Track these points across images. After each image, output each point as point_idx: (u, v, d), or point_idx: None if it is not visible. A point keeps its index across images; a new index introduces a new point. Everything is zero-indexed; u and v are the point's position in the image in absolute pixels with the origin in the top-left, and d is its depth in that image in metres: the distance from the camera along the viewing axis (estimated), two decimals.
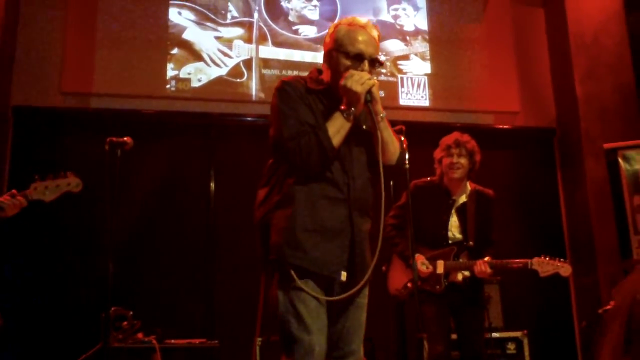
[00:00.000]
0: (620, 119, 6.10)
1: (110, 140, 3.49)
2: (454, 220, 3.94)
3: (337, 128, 2.39)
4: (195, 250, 5.40)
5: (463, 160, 3.90)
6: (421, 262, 3.83)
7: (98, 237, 4.34)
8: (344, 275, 2.41)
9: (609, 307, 3.83)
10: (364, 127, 2.54)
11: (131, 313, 4.22)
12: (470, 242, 3.89)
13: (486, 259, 3.78)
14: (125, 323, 4.18)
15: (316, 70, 2.64)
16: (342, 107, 2.42)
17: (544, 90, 6.61)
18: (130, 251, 5.06)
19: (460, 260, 3.88)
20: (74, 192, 3.49)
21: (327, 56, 2.55)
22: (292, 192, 2.39)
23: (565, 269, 3.84)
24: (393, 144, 2.52)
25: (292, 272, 2.32)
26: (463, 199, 3.98)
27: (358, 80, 2.36)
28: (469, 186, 4.02)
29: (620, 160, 5.46)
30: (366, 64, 2.46)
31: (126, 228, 4.94)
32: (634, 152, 5.46)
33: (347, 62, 2.47)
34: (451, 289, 3.86)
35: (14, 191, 3.34)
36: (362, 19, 2.57)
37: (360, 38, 2.48)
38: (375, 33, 2.53)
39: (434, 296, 3.84)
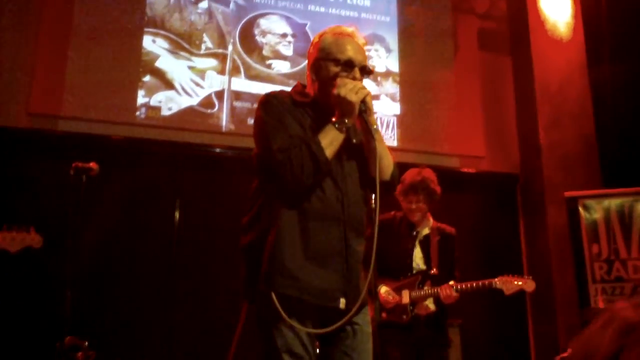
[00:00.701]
0: (581, 168, 6.27)
1: (75, 165, 3.47)
2: (417, 251, 4.03)
3: (330, 140, 2.23)
4: (157, 279, 5.31)
5: (422, 205, 4.01)
6: (386, 291, 3.87)
7: (57, 264, 4.25)
8: (342, 303, 2.22)
9: (565, 354, 3.88)
10: (354, 141, 2.40)
11: (87, 343, 4.12)
12: (434, 270, 3.95)
13: (450, 283, 3.86)
14: (80, 354, 4.07)
15: (300, 84, 2.50)
16: (334, 119, 2.27)
17: (509, 137, 6.77)
18: (90, 279, 4.95)
19: (425, 288, 3.92)
20: (34, 248, 3.51)
21: (314, 67, 2.39)
22: (280, 215, 2.21)
23: (528, 285, 3.95)
24: (387, 158, 2.39)
25: (277, 304, 2.14)
26: (426, 231, 4.09)
27: (352, 89, 2.23)
28: (431, 220, 4.14)
29: (580, 209, 5.59)
30: (357, 72, 2.33)
31: (87, 255, 4.84)
32: (593, 202, 5.59)
33: (337, 70, 2.33)
34: (416, 326, 3.88)
35: None
36: (348, 28, 2.44)
37: (348, 46, 2.36)
38: (362, 41, 2.41)
39: (399, 335, 3.86)
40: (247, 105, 5.96)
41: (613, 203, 5.55)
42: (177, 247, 5.41)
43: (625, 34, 6.19)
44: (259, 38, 6.23)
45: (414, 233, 4.07)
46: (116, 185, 5.28)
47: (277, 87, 6.00)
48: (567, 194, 5.69)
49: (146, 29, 5.86)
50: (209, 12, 6.12)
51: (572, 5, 6.95)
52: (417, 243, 4.04)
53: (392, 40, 6.68)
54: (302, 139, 2.24)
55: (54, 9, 5.63)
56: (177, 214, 5.51)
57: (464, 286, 3.87)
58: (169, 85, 5.80)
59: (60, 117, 5.46)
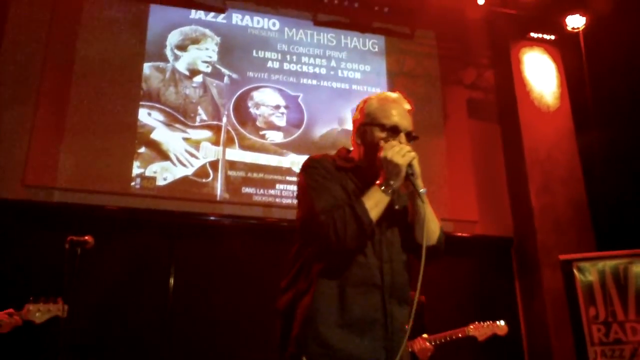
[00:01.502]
0: (574, 230, 6.31)
1: (70, 239, 3.49)
2: None
3: (375, 202, 2.18)
4: (153, 348, 5.23)
5: None
6: None
7: (51, 336, 4.19)
8: None
9: None
10: (397, 207, 2.35)
11: None
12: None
13: (424, 335, 3.90)
14: None
15: (344, 149, 2.48)
16: (380, 182, 2.22)
17: (501, 201, 6.84)
18: (84, 351, 4.87)
19: None
20: (60, 317, 3.55)
21: (360, 131, 2.38)
22: (319, 280, 2.17)
23: (501, 329, 3.94)
24: (434, 222, 2.33)
25: None
26: None
27: (399, 151, 2.19)
28: None
29: (575, 271, 5.58)
30: (403, 137, 2.31)
31: (81, 327, 4.76)
32: (588, 264, 5.60)
33: (382, 135, 2.31)
34: None
35: (11, 310, 3.45)
36: (394, 93, 2.43)
37: (394, 111, 2.34)
38: (407, 106, 2.39)
39: None
40: (241, 174, 6.04)
41: (608, 265, 5.56)
42: (172, 315, 5.36)
43: (609, 100, 6.35)
44: (252, 110, 6.38)
45: None
46: (111, 255, 5.27)
47: (270, 157, 6.14)
48: (562, 256, 5.70)
49: (142, 102, 6.00)
50: (204, 86, 6.29)
51: (557, 75, 7.18)
52: None
53: None
54: (345, 201, 2.21)
55: (52, 83, 5.79)
56: (171, 282, 5.49)
57: (438, 338, 3.90)
58: (164, 156, 5.89)
59: (55, 189, 5.52)
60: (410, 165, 2.21)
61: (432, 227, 2.30)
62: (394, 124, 2.32)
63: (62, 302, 3.54)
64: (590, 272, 5.57)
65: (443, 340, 3.87)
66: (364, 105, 2.43)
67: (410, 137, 2.35)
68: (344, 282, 2.17)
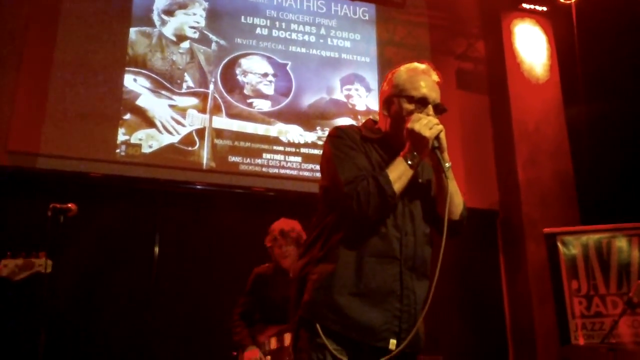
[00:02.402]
0: (559, 204, 6.35)
1: (53, 206, 3.43)
2: None
3: (399, 174, 2.15)
4: (136, 316, 5.24)
5: (290, 248, 4.11)
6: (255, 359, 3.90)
7: (32, 304, 4.19)
8: (392, 344, 2.12)
9: None
10: (420, 180, 2.33)
11: None
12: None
13: None
14: None
15: (371, 120, 2.45)
16: (404, 154, 2.18)
17: (488, 174, 6.85)
18: (66, 319, 4.87)
19: None
20: (42, 273, 3.40)
21: (386, 103, 2.34)
22: (337, 248, 2.16)
23: None
24: (458, 196, 2.30)
25: (324, 337, 2.08)
26: None
27: (427, 124, 2.15)
28: None
29: (559, 244, 5.62)
30: (431, 109, 2.26)
31: (63, 294, 4.77)
32: (572, 238, 5.63)
33: (411, 107, 2.26)
34: None
35: None
36: (422, 64, 2.37)
37: (423, 82, 2.28)
38: (436, 78, 2.34)
39: None
40: (228, 142, 5.99)
41: (591, 239, 5.60)
42: (156, 283, 5.37)
43: (599, 74, 6.33)
44: (240, 77, 6.30)
45: (288, 279, 4.12)
46: (95, 223, 5.24)
47: (257, 125, 6.09)
48: (546, 230, 5.73)
49: (127, 68, 5.91)
50: (191, 52, 6.20)
51: (548, 47, 7.14)
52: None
53: (372, 79, 6.79)
54: (370, 172, 2.18)
55: (35, 47, 5.68)
56: (156, 250, 5.48)
57: None
58: (149, 123, 5.82)
59: (39, 155, 5.45)
60: (437, 138, 2.18)
61: (456, 202, 2.27)
62: (423, 95, 2.27)
63: (45, 257, 3.41)
64: (573, 245, 5.61)
65: None
66: (392, 76, 2.38)
67: (439, 110, 2.30)
68: (362, 252, 2.15)
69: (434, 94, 2.29)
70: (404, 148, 2.20)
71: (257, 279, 4.19)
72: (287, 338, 3.90)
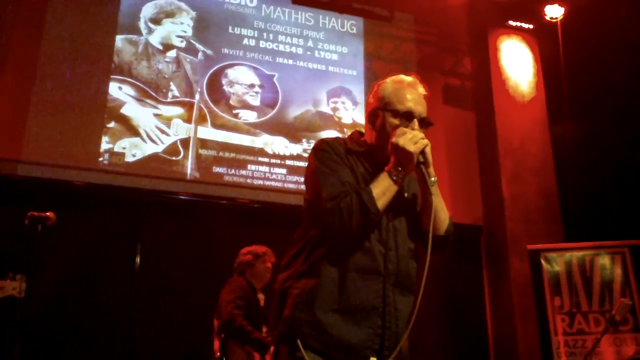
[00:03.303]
0: (543, 220, 6.37)
1: (31, 214, 3.36)
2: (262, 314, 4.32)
3: (383, 190, 2.11)
4: (116, 330, 5.16)
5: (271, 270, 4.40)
6: None
7: (8, 316, 4.09)
8: None
9: None
10: (406, 195, 2.28)
11: None
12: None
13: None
14: None
15: (357, 132, 2.40)
16: (389, 169, 2.14)
17: (473, 189, 6.85)
18: (42, 329, 4.79)
19: None
20: (15, 297, 3.32)
21: (371, 116, 2.29)
22: (319, 262, 2.11)
23: None
24: (444, 212, 2.25)
25: (304, 353, 2.03)
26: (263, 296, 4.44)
27: (412, 138, 2.10)
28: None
29: (542, 261, 5.62)
30: (416, 123, 2.20)
31: (40, 305, 4.67)
32: (555, 255, 5.64)
33: (395, 121, 2.21)
34: None
35: None
36: (409, 77, 2.31)
37: (408, 96, 2.24)
38: (422, 91, 2.29)
39: None
40: (212, 153, 5.95)
41: (574, 256, 5.61)
42: (138, 294, 5.29)
43: (584, 92, 6.38)
44: (226, 88, 6.27)
45: (258, 296, 4.41)
46: (76, 232, 5.18)
47: (243, 136, 6.06)
48: (530, 246, 5.74)
49: (113, 76, 5.86)
50: (177, 61, 6.16)
51: (534, 64, 7.19)
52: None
53: (359, 93, 6.79)
54: (353, 187, 2.13)
55: (19, 52, 5.62)
56: (137, 261, 5.41)
57: None
58: (134, 132, 5.77)
59: (20, 161, 5.37)
60: (422, 152, 2.13)
61: (441, 217, 2.22)
62: (408, 109, 2.22)
63: (21, 280, 3.35)
64: (557, 262, 5.62)
65: None
66: (377, 88, 2.33)
67: (425, 124, 2.25)
68: (345, 267, 2.10)
69: (419, 108, 2.24)
70: (389, 161, 2.16)
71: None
72: None
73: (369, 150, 2.29)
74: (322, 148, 2.24)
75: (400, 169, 2.13)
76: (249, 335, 4.03)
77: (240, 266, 4.45)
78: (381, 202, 2.09)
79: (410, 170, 2.17)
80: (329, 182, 2.14)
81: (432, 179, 2.16)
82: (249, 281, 4.37)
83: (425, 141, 2.13)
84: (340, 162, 2.20)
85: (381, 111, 2.26)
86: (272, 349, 3.88)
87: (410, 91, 2.26)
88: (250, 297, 4.27)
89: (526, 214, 6.39)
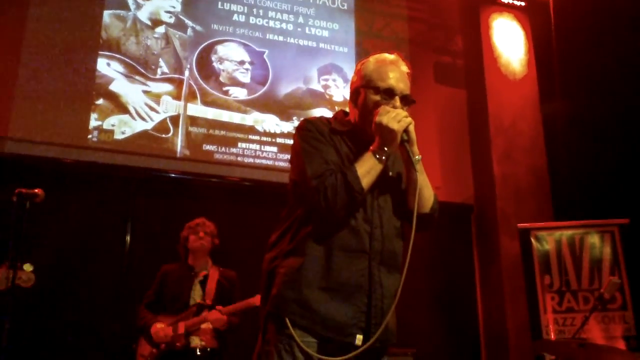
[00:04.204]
0: (533, 199, 6.38)
1: (19, 191, 3.32)
2: (197, 290, 4.41)
3: (367, 169, 2.12)
4: (106, 310, 5.13)
5: (206, 240, 4.49)
6: (160, 328, 4.22)
7: None
8: (359, 339, 2.10)
9: None
10: (391, 173, 2.31)
11: None
12: (208, 301, 4.30)
13: (218, 307, 4.22)
14: None
15: (342, 111, 2.43)
16: (373, 148, 2.16)
17: (464, 168, 6.85)
18: (32, 311, 4.75)
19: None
20: (22, 287, 3.31)
21: (354, 94, 2.33)
22: (305, 241, 2.14)
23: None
24: (428, 189, 2.27)
25: (292, 330, 2.06)
26: (205, 272, 4.49)
27: (395, 117, 2.12)
28: (210, 262, 4.56)
29: (532, 240, 5.65)
30: (398, 101, 2.23)
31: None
32: (545, 233, 5.67)
33: (377, 98, 2.23)
34: (191, 356, 4.19)
35: None
36: (391, 55, 2.34)
37: (390, 74, 2.25)
38: (405, 69, 2.31)
39: None
40: (202, 130, 5.90)
41: (564, 235, 5.64)
42: (128, 273, 5.26)
43: (575, 70, 6.36)
44: (216, 64, 6.20)
45: (193, 273, 4.48)
46: (65, 210, 5.13)
47: (233, 114, 6.01)
48: (520, 225, 5.76)
49: (101, 52, 5.77)
50: (166, 37, 6.08)
51: (525, 42, 7.15)
52: (196, 282, 4.44)
53: (350, 70, 6.73)
54: (338, 166, 2.16)
55: (4, 27, 5.52)
56: (128, 239, 5.38)
57: (230, 308, 4.24)
58: (123, 109, 5.70)
59: (7, 138, 5.28)
60: (406, 131, 2.15)
61: (426, 195, 2.25)
62: (389, 86, 2.24)
63: (29, 271, 3.35)
64: (547, 241, 5.64)
65: (234, 310, 4.24)
66: (360, 67, 2.35)
67: (407, 101, 2.27)
68: (331, 246, 2.13)
69: (401, 85, 2.26)
70: (373, 140, 2.18)
71: (165, 274, 4.56)
72: (181, 326, 4.22)
73: (353, 129, 2.31)
74: (306, 127, 2.27)
75: (384, 148, 2.14)
76: (138, 323, 4.35)
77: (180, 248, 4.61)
78: (365, 181, 2.11)
79: (394, 149, 2.18)
80: (313, 161, 2.16)
81: (417, 157, 2.19)
82: (184, 262, 4.53)
83: (409, 119, 2.16)
84: (324, 142, 2.22)
85: (363, 89, 2.29)
86: (153, 329, 4.20)
87: (392, 69, 2.28)
88: (167, 280, 4.44)
89: (517, 192, 6.40)
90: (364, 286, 2.13)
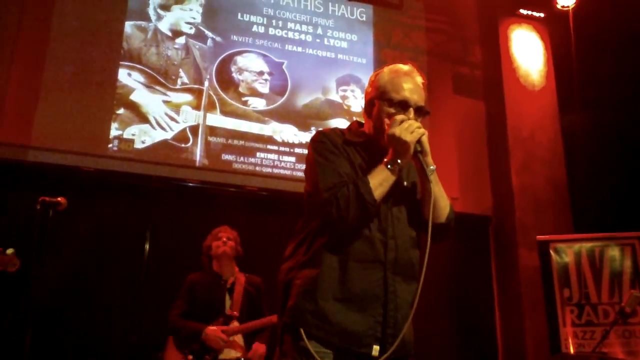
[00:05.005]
0: (552, 211, 6.34)
1: (42, 199, 3.36)
2: (227, 298, 4.40)
3: (380, 180, 2.13)
4: (124, 316, 5.16)
5: (229, 245, 4.48)
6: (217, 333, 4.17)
7: (18, 301, 4.10)
8: (375, 350, 2.09)
9: None
10: (405, 183, 2.31)
11: None
12: (235, 312, 4.29)
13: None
14: None
15: (357, 122, 2.43)
16: (387, 159, 2.16)
17: (482, 179, 6.82)
18: (53, 316, 4.80)
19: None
20: (8, 272, 3.32)
21: (368, 105, 2.32)
22: (321, 252, 2.15)
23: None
24: (444, 199, 2.27)
25: (307, 342, 2.06)
26: (232, 279, 4.47)
27: (407, 128, 2.12)
28: (236, 269, 4.54)
29: (551, 252, 5.61)
30: (412, 112, 2.22)
31: (50, 291, 4.68)
32: (564, 246, 5.63)
33: (391, 110, 2.23)
34: None
35: None
36: (406, 66, 2.33)
37: (404, 85, 2.25)
38: (420, 80, 2.30)
39: None
40: (221, 140, 5.94)
41: (584, 247, 5.59)
42: (147, 281, 5.28)
43: (595, 82, 6.33)
44: (235, 75, 6.25)
45: (222, 282, 4.46)
46: (85, 218, 5.17)
47: (252, 124, 6.05)
48: (539, 237, 5.72)
49: (122, 62, 5.84)
50: (186, 48, 6.14)
51: (544, 53, 7.13)
52: (225, 291, 4.44)
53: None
54: (351, 178, 2.17)
55: (28, 36, 5.60)
56: (147, 247, 5.41)
57: (250, 325, 4.27)
58: (143, 118, 5.76)
59: (30, 147, 5.37)
60: (419, 142, 2.15)
61: (441, 205, 2.25)
62: (403, 98, 2.23)
63: (13, 256, 3.34)
64: (566, 253, 5.60)
65: (254, 327, 4.28)
66: (375, 77, 2.34)
67: (421, 113, 2.26)
68: (346, 257, 2.14)
69: (415, 97, 2.25)
70: (387, 151, 2.18)
71: (192, 284, 4.50)
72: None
73: (367, 140, 2.31)
74: (319, 139, 2.28)
75: (398, 159, 2.15)
76: (180, 332, 4.25)
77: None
78: (378, 193, 2.12)
79: (407, 160, 2.18)
80: (326, 172, 2.18)
81: (431, 167, 2.18)
82: (210, 270, 4.51)
83: (422, 130, 2.15)
84: (337, 153, 2.24)
85: (377, 100, 2.28)
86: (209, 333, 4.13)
87: (406, 80, 2.27)
88: (196, 289, 4.40)
89: (535, 204, 6.35)
90: (380, 296, 2.13)
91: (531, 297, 5.93)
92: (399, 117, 2.18)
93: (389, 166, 2.15)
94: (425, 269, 2.07)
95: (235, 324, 4.26)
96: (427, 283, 2.06)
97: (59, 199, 3.39)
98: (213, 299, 4.35)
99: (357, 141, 2.30)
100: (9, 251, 3.30)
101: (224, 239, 4.47)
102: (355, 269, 2.12)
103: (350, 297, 2.10)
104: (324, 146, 2.25)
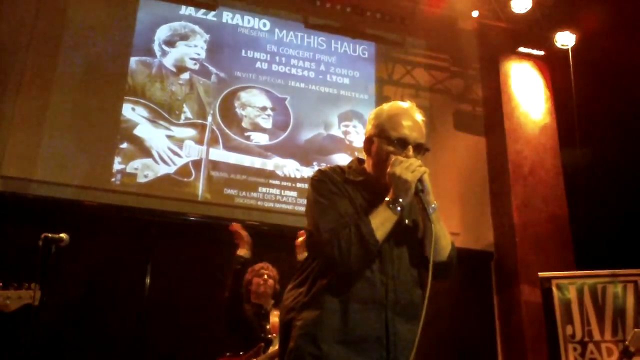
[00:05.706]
0: (554, 248, 6.32)
1: (45, 236, 3.35)
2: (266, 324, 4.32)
3: (382, 220, 2.09)
4: (125, 349, 5.13)
5: (269, 283, 4.39)
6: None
7: (20, 337, 4.07)
8: None
9: None
10: (407, 221, 2.24)
11: None
12: (274, 334, 4.16)
13: None
14: None
15: (357, 159, 2.37)
16: (388, 198, 2.12)
17: (483, 215, 6.83)
18: (55, 352, 4.76)
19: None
20: (34, 305, 3.31)
21: (367, 143, 2.29)
22: (322, 294, 2.11)
23: None
24: (446, 238, 2.23)
25: None
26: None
27: (408, 167, 2.09)
28: (271, 301, 4.44)
29: (554, 289, 5.57)
30: (411, 150, 2.18)
31: (51, 325, 4.64)
32: (567, 282, 5.59)
33: (390, 148, 2.18)
34: None
35: None
36: (405, 103, 2.30)
37: (403, 122, 2.21)
38: (419, 117, 2.25)
39: None
40: (224, 175, 5.97)
41: (587, 284, 5.55)
42: (147, 315, 5.26)
43: (595, 119, 6.36)
44: (238, 110, 6.31)
45: (263, 311, 4.37)
46: (87, 252, 5.16)
47: (254, 159, 6.07)
48: (541, 274, 5.68)
49: (126, 97, 5.91)
50: (190, 83, 6.21)
51: (545, 90, 7.20)
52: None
53: None
54: (352, 219, 2.12)
55: (35, 72, 5.69)
56: (147, 282, 5.40)
57: (263, 357, 4.11)
58: (146, 153, 5.80)
59: (33, 181, 5.40)
60: (420, 180, 2.11)
61: (443, 244, 2.21)
62: (402, 136, 2.19)
63: (35, 288, 3.34)
64: (568, 290, 5.56)
65: None
66: (374, 115, 2.32)
67: (421, 150, 2.23)
68: (347, 298, 2.10)
69: (414, 134, 2.21)
70: (388, 189, 2.14)
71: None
72: None
73: (367, 178, 2.27)
74: (319, 178, 2.24)
75: (399, 199, 2.11)
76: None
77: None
78: (380, 233, 2.09)
79: (409, 199, 2.14)
80: (326, 213, 2.14)
81: (432, 206, 2.15)
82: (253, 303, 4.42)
83: (423, 169, 2.12)
84: (338, 192, 2.20)
85: (376, 138, 2.25)
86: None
87: (405, 117, 2.23)
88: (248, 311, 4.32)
89: (537, 240, 6.35)
90: (381, 338, 2.09)
91: (533, 334, 5.88)
92: (400, 156, 2.15)
93: (390, 206, 2.11)
94: (427, 307, 2.06)
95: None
96: (427, 320, 2.05)
97: (61, 235, 3.38)
98: (257, 328, 4.27)
99: (357, 180, 2.27)
100: (33, 286, 3.29)
101: (265, 276, 4.41)
102: (356, 311, 2.09)
103: (352, 340, 2.06)
104: (324, 185, 2.22)
